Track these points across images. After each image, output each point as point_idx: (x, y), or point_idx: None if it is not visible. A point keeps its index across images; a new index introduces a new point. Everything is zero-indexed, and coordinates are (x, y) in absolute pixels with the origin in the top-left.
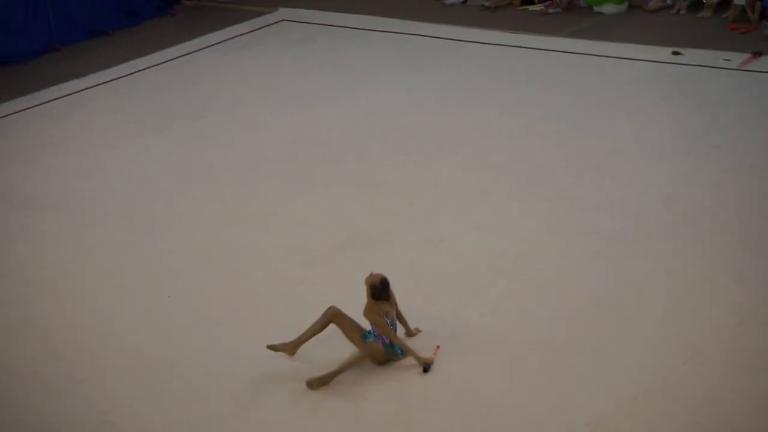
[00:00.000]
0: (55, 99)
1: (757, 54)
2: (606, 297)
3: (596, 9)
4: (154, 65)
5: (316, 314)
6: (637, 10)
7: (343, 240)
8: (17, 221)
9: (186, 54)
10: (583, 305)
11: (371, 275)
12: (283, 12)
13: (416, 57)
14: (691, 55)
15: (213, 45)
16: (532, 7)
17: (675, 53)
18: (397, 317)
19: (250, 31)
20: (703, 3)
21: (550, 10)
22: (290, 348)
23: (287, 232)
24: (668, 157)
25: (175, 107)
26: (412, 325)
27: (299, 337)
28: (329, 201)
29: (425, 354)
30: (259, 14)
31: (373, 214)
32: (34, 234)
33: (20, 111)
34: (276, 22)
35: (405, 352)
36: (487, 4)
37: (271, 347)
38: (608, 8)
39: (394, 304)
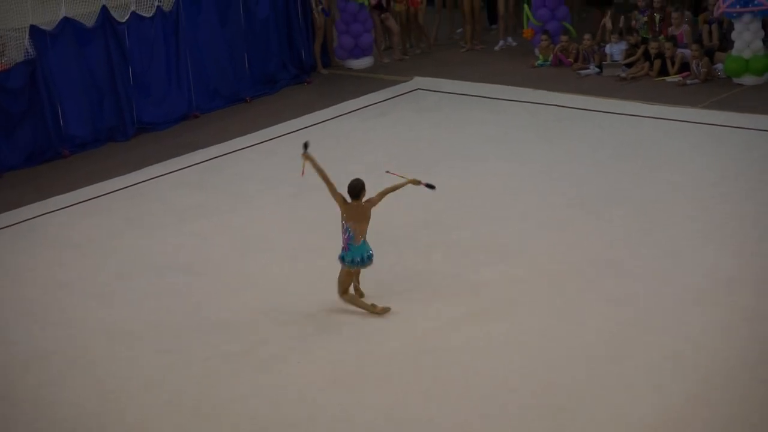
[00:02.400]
0: (191, 165)
1: None
2: (747, 372)
3: (736, 80)
4: (291, 132)
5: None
6: None
7: (469, 309)
8: (154, 286)
9: (323, 121)
10: (720, 380)
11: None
12: (417, 81)
13: (550, 126)
14: None
15: (349, 112)
16: (669, 78)
17: None
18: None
19: (385, 99)
20: None
21: (688, 81)
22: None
23: (410, 307)
24: None
25: (312, 173)
26: None
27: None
28: (456, 269)
29: None
30: (395, 83)
31: (499, 282)
32: (169, 298)
33: (157, 177)
34: (411, 91)
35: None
36: (623, 74)
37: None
38: (748, 79)
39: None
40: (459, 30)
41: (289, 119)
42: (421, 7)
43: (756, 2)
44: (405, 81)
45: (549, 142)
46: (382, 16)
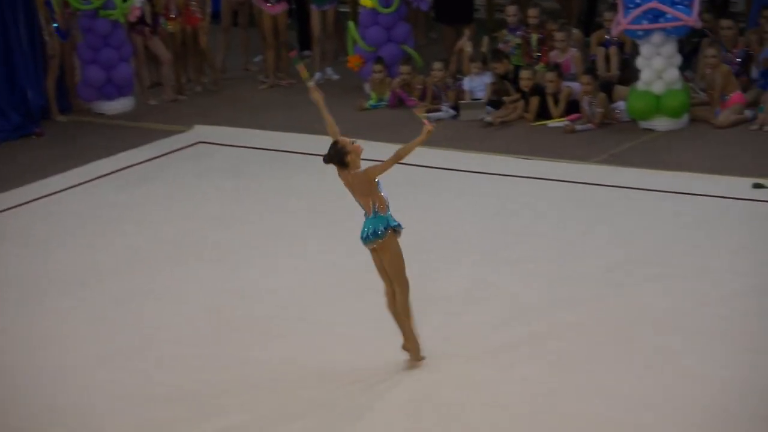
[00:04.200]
0: None
1: None
2: None
3: (644, 124)
4: (10, 208)
5: None
6: (701, 125)
7: None
8: None
9: (59, 191)
10: None
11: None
12: (199, 131)
13: (394, 191)
14: None
15: (99, 178)
16: (552, 123)
17: (758, 186)
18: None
19: (153, 158)
20: None
21: (579, 126)
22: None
23: None
24: (747, 341)
25: (41, 268)
26: None
27: None
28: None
29: None
30: (167, 134)
31: None
32: None
33: None
34: (190, 145)
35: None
36: (489, 118)
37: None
38: (661, 123)
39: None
40: (258, 58)
41: (8, 189)
42: (202, 26)
43: (669, 16)
44: (181, 131)
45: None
46: (147, 39)
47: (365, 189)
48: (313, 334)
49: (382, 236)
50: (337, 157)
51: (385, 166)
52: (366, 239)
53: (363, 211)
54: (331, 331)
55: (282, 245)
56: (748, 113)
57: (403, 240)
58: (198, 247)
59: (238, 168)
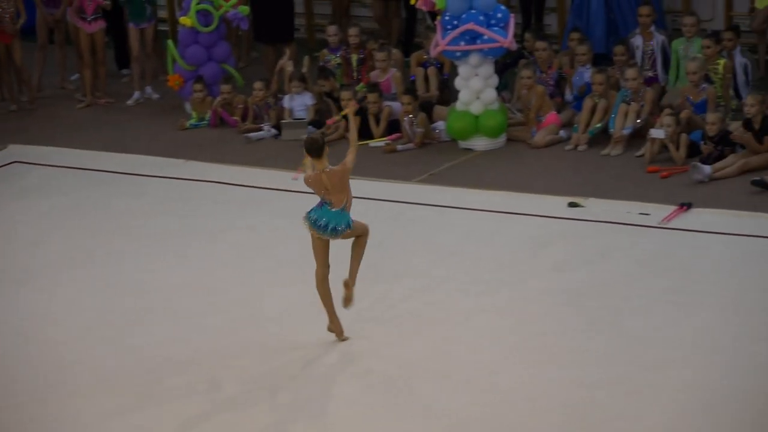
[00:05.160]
0: None
1: (685, 206)
2: None
3: (463, 144)
4: None
5: None
6: (518, 145)
7: None
8: None
9: None
10: None
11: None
12: (13, 151)
13: (215, 211)
14: (595, 207)
15: None
16: (373, 142)
17: (572, 205)
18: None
19: None
20: (610, 135)
21: (399, 146)
22: None
23: None
24: (559, 357)
25: None
26: None
27: None
28: None
29: None
30: None
31: None
32: None
33: None
34: (4, 165)
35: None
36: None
37: None
38: (479, 143)
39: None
40: (74, 76)
41: None
42: (15, 43)
43: (485, 38)
44: None
45: (214, 234)
46: None
47: (345, 183)
48: (126, 355)
49: (341, 233)
50: (319, 142)
51: (353, 157)
52: (325, 230)
53: (318, 199)
54: (146, 352)
55: (97, 265)
56: (562, 133)
57: (227, 260)
58: (10, 268)
59: (53, 188)
